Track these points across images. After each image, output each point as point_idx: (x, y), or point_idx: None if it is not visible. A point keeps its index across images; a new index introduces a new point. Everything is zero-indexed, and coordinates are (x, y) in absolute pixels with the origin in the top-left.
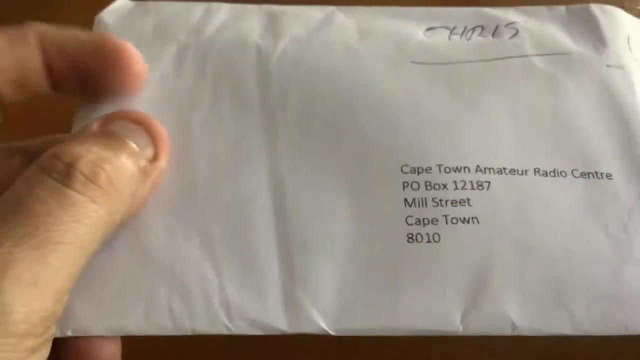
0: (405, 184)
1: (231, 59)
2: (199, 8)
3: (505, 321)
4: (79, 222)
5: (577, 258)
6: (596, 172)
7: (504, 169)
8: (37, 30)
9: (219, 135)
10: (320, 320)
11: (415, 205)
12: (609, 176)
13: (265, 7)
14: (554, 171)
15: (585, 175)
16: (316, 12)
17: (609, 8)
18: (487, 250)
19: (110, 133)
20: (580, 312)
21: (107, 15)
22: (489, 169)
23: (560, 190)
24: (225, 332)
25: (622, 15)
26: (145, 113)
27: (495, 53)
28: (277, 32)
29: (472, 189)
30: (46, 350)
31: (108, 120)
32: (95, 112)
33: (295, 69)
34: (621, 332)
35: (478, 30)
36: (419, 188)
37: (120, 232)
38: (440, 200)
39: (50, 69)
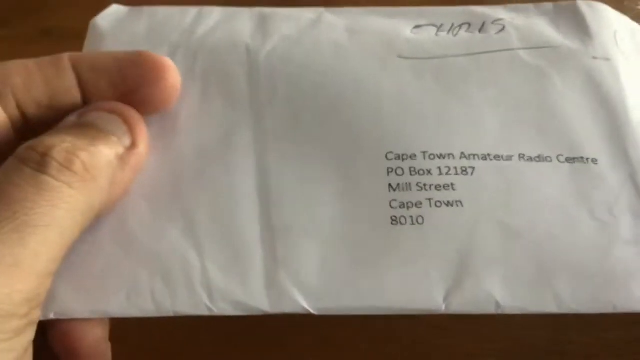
0: (390, 170)
1: (221, 57)
2: (192, 11)
3: (488, 300)
4: (56, 207)
5: (562, 239)
6: (582, 157)
7: (489, 155)
8: (70, 55)
9: (207, 126)
10: (302, 300)
11: (399, 190)
12: (594, 161)
13: (257, 10)
14: (538, 156)
15: (570, 160)
16: (306, 14)
17: (596, 4)
18: (471, 232)
19: (85, 123)
20: (565, 290)
21: (102, 19)
22: (474, 155)
23: (545, 174)
24: (207, 313)
25: (608, 12)
26: (121, 103)
27: (482, 47)
28: (267, 32)
29: (457, 174)
30: (31, 333)
31: (84, 112)
32: None
33: (283, 64)
34: (609, 310)
35: (465, 27)
36: (403, 174)
37: (103, 218)
38: (425, 185)
39: (85, 88)
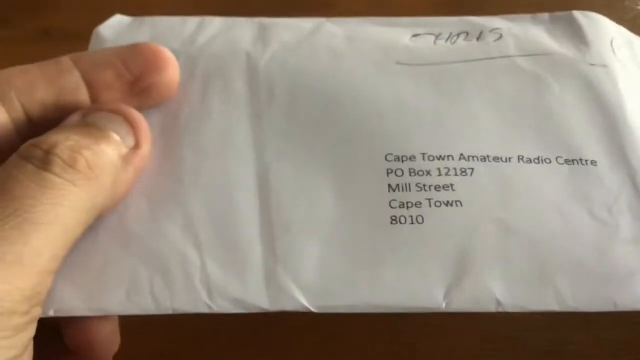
0: (389, 171)
1: (221, 63)
2: (193, 21)
3: (489, 298)
4: (58, 204)
5: (561, 238)
6: (580, 159)
7: (488, 156)
8: (69, 55)
9: (206, 126)
10: (302, 297)
11: (398, 190)
12: (593, 163)
13: (257, 19)
14: (537, 158)
15: (569, 162)
16: (306, 23)
17: (592, 14)
18: (471, 231)
19: (89, 123)
20: (565, 288)
21: (105, 29)
22: (473, 156)
23: (544, 175)
24: (206, 310)
25: (605, 21)
26: (123, 104)
27: (479, 54)
28: (267, 41)
29: (456, 175)
30: (31, 331)
31: (87, 112)
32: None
33: (283, 69)
34: (610, 308)
35: (463, 35)
36: (402, 174)
37: (102, 215)
38: (424, 185)
39: (92, 84)
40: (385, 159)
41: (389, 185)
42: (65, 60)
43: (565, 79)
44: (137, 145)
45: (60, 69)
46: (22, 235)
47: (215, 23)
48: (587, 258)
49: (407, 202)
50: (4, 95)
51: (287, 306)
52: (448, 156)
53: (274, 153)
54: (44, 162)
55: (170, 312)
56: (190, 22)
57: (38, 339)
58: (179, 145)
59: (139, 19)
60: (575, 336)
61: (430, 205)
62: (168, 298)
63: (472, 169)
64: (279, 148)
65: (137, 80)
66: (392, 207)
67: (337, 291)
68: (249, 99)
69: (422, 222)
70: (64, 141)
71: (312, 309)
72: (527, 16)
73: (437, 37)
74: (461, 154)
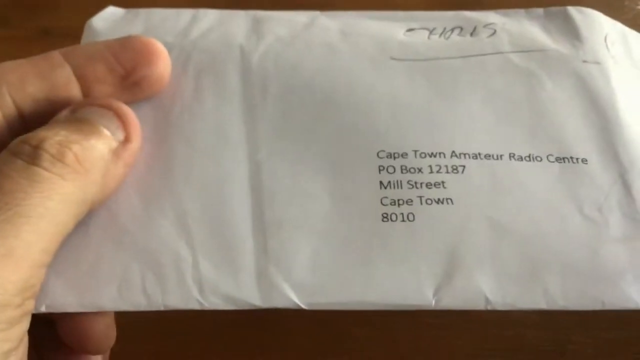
0: (381, 168)
1: (214, 57)
2: (188, 14)
3: (478, 296)
4: (48, 198)
5: (551, 236)
6: (572, 157)
7: (479, 154)
8: (60, 50)
9: (199, 120)
10: (293, 294)
11: (390, 187)
12: (584, 161)
13: (252, 13)
14: (529, 156)
15: (560, 160)
16: (301, 17)
17: (586, 10)
18: (461, 229)
19: (79, 118)
20: (554, 287)
21: (97, 21)
22: (464, 154)
23: (535, 173)
24: (198, 307)
25: (599, 17)
26: (113, 99)
27: (473, 50)
28: (261, 34)
29: (447, 172)
30: (25, 324)
31: (77, 108)
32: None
33: (276, 64)
34: (598, 307)
35: (457, 30)
36: (394, 171)
37: (94, 211)
38: (416, 183)
39: (83, 78)
40: (378, 155)
41: (381, 183)
42: (56, 55)
43: (558, 76)
44: (127, 140)
45: (52, 63)
46: (13, 228)
47: (209, 16)
48: (577, 257)
49: (398, 200)
50: None
51: (279, 303)
52: (440, 153)
53: (267, 150)
54: (33, 157)
55: (162, 308)
56: (185, 15)
57: (34, 334)
58: (171, 141)
59: (132, 11)
60: (575, 336)
61: (421, 203)
62: (160, 294)
63: (464, 166)
64: (271, 145)
65: (129, 74)
66: (383, 205)
67: (328, 288)
68: (243, 94)
69: (413, 219)
70: (52, 137)
71: (303, 306)
72: (522, 11)
73: (431, 32)
74: (453, 152)
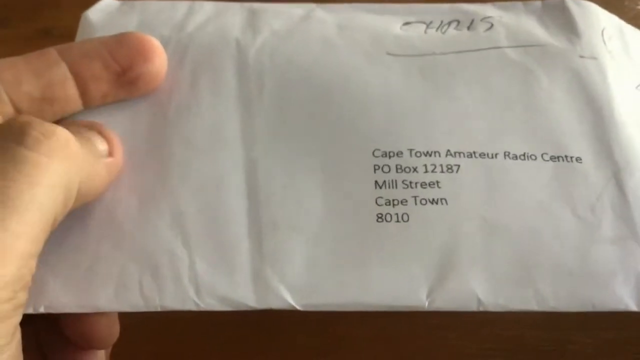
0: (377, 167)
1: (210, 52)
2: (183, 6)
3: (470, 297)
4: (35, 183)
5: (544, 237)
6: (566, 156)
7: (474, 152)
8: (56, 47)
9: (195, 119)
10: (288, 296)
11: (385, 187)
12: (578, 160)
13: (247, 5)
14: (523, 155)
15: (555, 158)
16: (297, 9)
17: (584, 3)
18: (455, 230)
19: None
20: (546, 288)
21: (93, 13)
22: (459, 153)
23: (529, 172)
24: (194, 308)
25: (597, 10)
26: (97, 122)
27: (470, 45)
28: (257, 28)
29: (442, 172)
30: (17, 318)
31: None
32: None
33: (272, 60)
34: (588, 308)
35: (454, 24)
36: (389, 171)
37: (92, 212)
38: (410, 183)
39: (79, 75)
40: (373, 154)
41: (376, 182)
42: (52, 52)
43: (554, 72)
44: (110, 154)
45: (48, 61)
46: None
47: (205, 8)
48: (569, 258)
49: (393, 200)
50: None
51: (274, 304)
52: (435, 152)
53: (263, 148)
54: (18, 134)
55: (159, 309)
56: (180, 7)
57: (37, 331)
58: (168, 139)
59: (128, 2)
60: (575, 336)
61: (416, 203)
62: (157, 296)
63: (459, 165)
64: (267, 144)
65: (125, 71)
66: (378, 205)
67: (322, 290)
68: (239, 91)
69: (408, 220)
70: (39, 120)
71: (298, 307)
72: (520, 4)
73: (428, 25)
74: (448, 150)
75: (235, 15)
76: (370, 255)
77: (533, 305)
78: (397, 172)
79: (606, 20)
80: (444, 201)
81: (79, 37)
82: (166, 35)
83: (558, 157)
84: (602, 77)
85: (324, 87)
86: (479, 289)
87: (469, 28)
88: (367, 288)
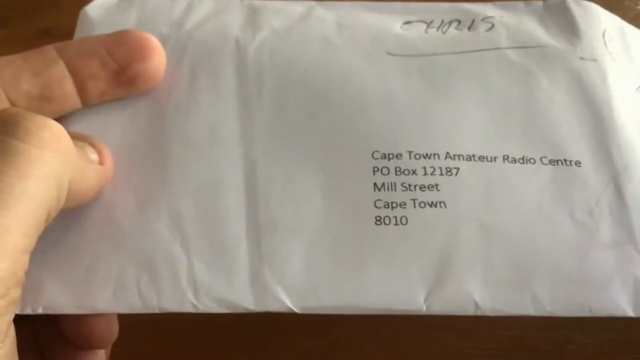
0: (376, 169)
1: (210, 50)
2: (182, 3)
3: (468, 301)
4: (26, 175)
5: (542, 241)
6: (565, 160)
7: (473, 155)
8: (54, 45)
9: (194, 118)
10: (286, 298)
11: (384, 190)
12: (577, 163)
13: (247, 2)
14: (522, 158)
15: (554, 162)
16: (297, 7)
17: (586, 3)
18: (453, 233)
19: None
20: (543, 293)
21: (92, 9)
22: (459, 155)
23: (528, 176)
24: (192, 310)
25: (598, 10)
26: (87, 135)
27: (470, 46)
28: (257, 26)
29: (441, 174)
30: (10, 315)
31: None
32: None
33: (272, 59)
34: (585, 313)
35: (454, 24)
36: (388, 173)
37: (91, 211)
38: (409, 185)
39: (77, 74)
40: (372, 156)
41: (375, 185)
42: (50, 50)
43: (554, 74)
44: (101, 162)
45: (46, 59)
46: None
47: (204, 5)
48: (566, 262)
49: (392, 203)
50: None
51: (272, 307)
52: (434, 155)
53: (262, 149)
54: (8, 124)
55: (157, 311)
56: (179, 4)
57: (36, 331)
58: (166, 139)
59: None
60: (575, 336)
61: (414, 206)
62: (155, 297)
63: (458, 168)
64: (266, 144)
65: (123, 70)
66: (377, 207)
67: (321, 293)
68: (238, 90)
69: (406, 223)
70: (29, 113)
71: (296, 310)
72: (521, 4)
73: (428, 25)
74: (447, 153)
75: (235, 12)
76: (369, 259)
77: (530, 310)
78: (396, 174)
79: (607, 21)
80: (442, 204)
81: (78, 33)
82: (165, 32)
83: (557, 160)
84: (602, 79)
85: (323, 87)
86: (477, 293)
87: (469, 28)
88: (365, 291)
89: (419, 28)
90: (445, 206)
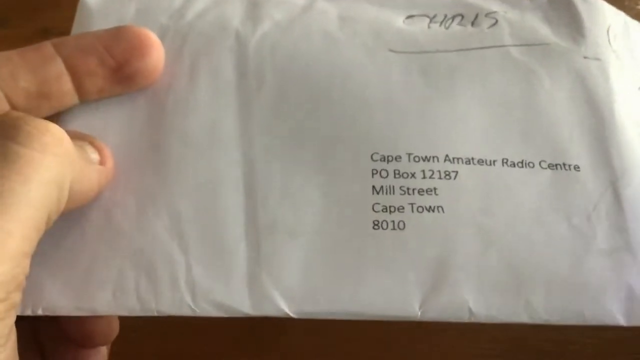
0: (375, 172)
1: (210, 42)
2: None
3: (462, 308)
4: (28, 180)
5: (538, 248)
6: (564, 164)
7: (472, 159)
8: (52, 41)
9: (193, 115)
10: (283, 303)
11: (383, 193)
12: (577, 168)
13: None
14: (521, 162)
15: (553, 166)
16: None
17: None
18: (450, 239)
19: None
20: (537, 301)
21: None
22: (458, 158)
23: (526, 181)
24: (190, 313)
25: (603, 6)
26: (87, 134)
27: (473, 43)
28: (258, 18)
29: (440, 178)
30: (11, 319)
31: None
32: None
33: (273, 54)
34: (580, 321)
35: (458, 18)
36: (387, 176)
37: (90, 212)
38: (408, 189)
39: (75, 71)
40: (372, 158)
41: (374, 187)
42: (48, 46)
43: (557, 73)
44: (101, 162)
45: (43, 56)
46: None
47: None
48: (562, 269)
49: (390, 207)
50: None
51: (269, 312)
52: (433, 157)
53: (261, 148)
54: (10, 128)
55: (155, 314)
56: None
57: (36, 331)
58: (165, 137)
59: None
60: (575, 336)
61: (412, 211)
62: (153, 300)
63: (457, 172)
64: (266, 143)
65: (121, 67)
66: (375, 212)
67: (317, 298)
68: (238, 86)
69: (404, 228)
70: (31, 117)
71: (293, 315)
72: None
73: (431, 20)
74: (446, 156)
75: (235, 4)
76: (365, 264)
77: (524, 318)
78: (395, 177)
79: (612, 17)
80: (440, 209)
81: (76, 23)
82: (164, 23)
83: (556, 165)
84: (604, 79)
85: (324, 85)
86: (471, 300)
87: (472, 24)
88: (361, 297)
89: (421, 23)
90: (443, 211)
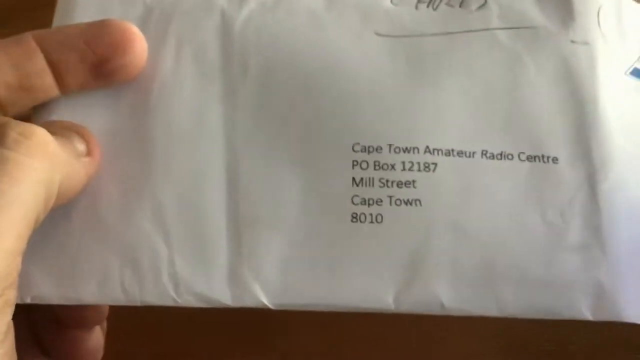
0: (355, 163)
1: (195, 23)
2: None
3: (434, 302)
4: (17, 181)
5: (511, 243)
6: (542, 156)
7: (452, 150)
8: (33, 33)
9: (178, 103)
10: (262, 296)
11: (362, 185)
12: (555, 160)
13: None
14: (500, 154)
15: (531, 158)
16: None
17: None
18: (426, 233)
19: None
20: (507, 295)
21: None
22: (438, 150)
23: (504, 174)
24: (172, 304)
25: None
26: (75, 123)
27: (460, 26)
28: None
29: (419, 170)
30: (7, 316)
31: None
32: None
33: (258, 37)
34: (548, 316)
35: None
36: (367, 167)
37: (76, 204)
38: (387, 181)
39: (56, 67)
40: (353, 149)
41: (353, 179)
42: (30, 40)
43: (542, 59)
44: (88, 153)
45: (25, 51)
46: None
47: None
48: (533, 264)
49: (369, 199)
50: None
51: (248, 303)
52: (414, 148)
53: (244, 139)
54: None
55: (139, 304)
56: None
57: (30, 315)
58: (150, 126)
59: None
60: (575, 336)
61: (390, 204)
62: (137, 291)
63: (436, 164)
64: (249, 133)
65: (102, 63)
66: (354, 204)
67: (295, 290)
68: (223, 72)
69: (381, 221)
70: (16, 122)
71: (271, 307)
72: None
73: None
74: (427, 147)
75: None
76: (343, 257)
77: (493, 312)
78: (374, 169)
79: None
80: (418, 202)
81: (59, 4)
82: (148, 3)
83: (535, 157)
84: (590, 64)
85: (308, 72)
86: (443, 293)
87: (461, 4)
88: (338, 290)
89: (409, 3)
90: (421, 204)
